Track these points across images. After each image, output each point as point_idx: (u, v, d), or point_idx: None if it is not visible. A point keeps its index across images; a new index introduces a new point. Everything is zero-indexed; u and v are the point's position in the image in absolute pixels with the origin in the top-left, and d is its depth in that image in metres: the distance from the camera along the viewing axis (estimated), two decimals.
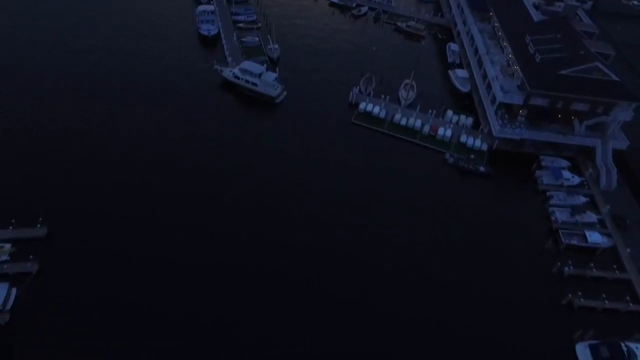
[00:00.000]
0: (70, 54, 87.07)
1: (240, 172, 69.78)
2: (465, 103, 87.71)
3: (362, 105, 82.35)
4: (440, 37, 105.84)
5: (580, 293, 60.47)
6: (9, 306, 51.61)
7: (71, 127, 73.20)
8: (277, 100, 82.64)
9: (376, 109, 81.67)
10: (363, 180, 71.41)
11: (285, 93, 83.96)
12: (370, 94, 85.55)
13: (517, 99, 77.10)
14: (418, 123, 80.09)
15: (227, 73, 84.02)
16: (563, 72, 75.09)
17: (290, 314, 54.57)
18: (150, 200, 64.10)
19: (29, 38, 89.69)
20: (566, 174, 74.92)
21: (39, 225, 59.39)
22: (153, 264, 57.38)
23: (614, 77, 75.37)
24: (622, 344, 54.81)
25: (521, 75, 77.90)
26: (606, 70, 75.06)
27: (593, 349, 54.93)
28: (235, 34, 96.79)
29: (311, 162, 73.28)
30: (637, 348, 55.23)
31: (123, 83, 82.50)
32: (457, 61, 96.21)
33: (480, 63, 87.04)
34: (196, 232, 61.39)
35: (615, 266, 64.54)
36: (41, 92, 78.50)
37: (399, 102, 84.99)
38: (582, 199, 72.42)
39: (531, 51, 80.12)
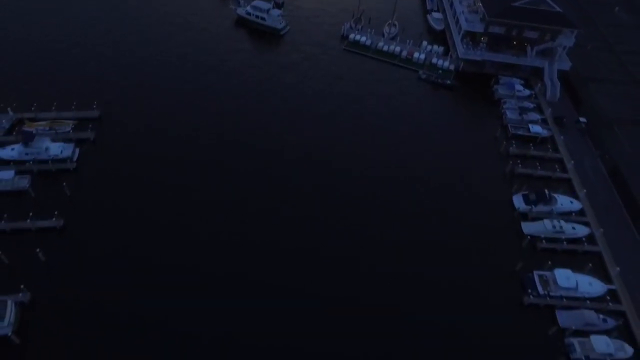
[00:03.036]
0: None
1: (249, 86, 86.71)
2: (439, 38, 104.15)
3: (351, 36, 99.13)
4: None
5: (519, 162, 76.84)
6: (75, 158, 69.49)
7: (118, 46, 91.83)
8: (282, 33, 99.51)
9: (363, 39, 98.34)
10: (350, 91, 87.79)
11: (288, 27, 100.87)
12: (359, 29, 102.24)
13: (478, 28, 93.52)
14: (397, 49, 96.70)
15: (241, 11, 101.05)
16: (515, 4, 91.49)
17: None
18: (186, 108, 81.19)
19: None
20: (519, 87, 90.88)
21: (94, 107, 76.82)
22: (187, 142, 74.53)
23: (557, 9, 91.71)
24: (546, 191, 70.78)
25: (482, 9, 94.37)
26: (551, 3, 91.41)
27: (524, 196, 71.03)
28: None
29: (308, 78, 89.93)
30: (558, 197, 71.14)
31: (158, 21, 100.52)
32: (435, 8, 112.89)
33: (452, 4, 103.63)
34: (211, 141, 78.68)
35: (550, 147, 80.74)
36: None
37: (383, 36, 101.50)
38: (530, 105, 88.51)
39: None
